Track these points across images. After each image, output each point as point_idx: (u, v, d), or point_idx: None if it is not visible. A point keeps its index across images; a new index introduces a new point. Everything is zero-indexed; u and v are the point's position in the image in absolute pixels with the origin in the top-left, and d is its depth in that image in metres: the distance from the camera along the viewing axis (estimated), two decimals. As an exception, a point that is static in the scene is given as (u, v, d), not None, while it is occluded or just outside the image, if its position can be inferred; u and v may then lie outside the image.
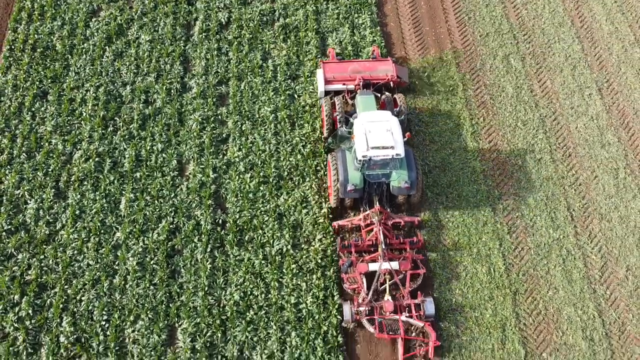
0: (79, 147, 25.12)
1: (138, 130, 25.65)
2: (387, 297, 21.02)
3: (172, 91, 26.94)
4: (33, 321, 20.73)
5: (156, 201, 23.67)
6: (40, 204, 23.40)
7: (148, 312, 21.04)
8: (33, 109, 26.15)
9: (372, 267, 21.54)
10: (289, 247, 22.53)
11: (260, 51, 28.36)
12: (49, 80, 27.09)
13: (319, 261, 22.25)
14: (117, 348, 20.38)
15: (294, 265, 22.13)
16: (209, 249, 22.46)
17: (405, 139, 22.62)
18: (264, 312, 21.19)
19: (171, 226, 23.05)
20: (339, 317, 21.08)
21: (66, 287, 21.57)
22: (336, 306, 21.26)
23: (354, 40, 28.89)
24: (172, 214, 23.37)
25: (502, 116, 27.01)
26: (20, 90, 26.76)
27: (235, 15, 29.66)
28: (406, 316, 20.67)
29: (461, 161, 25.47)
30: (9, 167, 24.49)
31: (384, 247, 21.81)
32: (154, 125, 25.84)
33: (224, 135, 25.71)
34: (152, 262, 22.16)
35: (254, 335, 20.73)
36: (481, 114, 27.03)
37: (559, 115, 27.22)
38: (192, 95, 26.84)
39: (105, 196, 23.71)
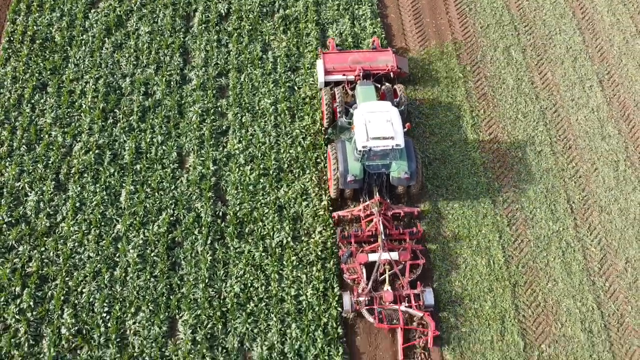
0: (78, 139, 25.11)
1: (138, 123, 25.62)
2: (387, 287, 21.11)
3: (172, 83, 26.88)
4: (34, 313, 20.83)
5: (156, 193, 23.70)
6: (41, 196, 23.43)
7: (149, 304, 21.13)
8: (33, 101, 26.11)
9: (372, 257, 21.62)
10: (289, 239, 22.58)
11: (260, 43, 28.26)
12: (49, 72, 27.02)
13: (319, 253, 22.31)
14: (118, 339, 20.49)
15: (294, 258, 22.20)
16: (209, 241, 22.51)
17: (405, 129, 22.61)
18: (264, 304, 21.28)
19: (171, 218, 23.09)
20: (339, 309, 21.17)
21: (67, 279, 21.65)
22: (336, 298, 21.34)
23: (354, 31, 28.79)
24: (173, 206, 23.41)
25: (502, 108, 26.97)
26: (20, 82, 26.70)
27: (235, 7, 29.53)
28: (405, 306, 20.79)
29: (461, 153, 25.46)
30: (9, 159, 24.49)
31: (383, 237, 21.88)
32: (153, 118, 25.81)
33: (224, 128, 25.68)
34: (152, 255, 22.22)
35: (254, 327, 20.84)
36: (481, 105, 26.98)
37: (560, 107, 27.18)
38: (191, 87, 26.79)
39: (106, 188, 23.74)
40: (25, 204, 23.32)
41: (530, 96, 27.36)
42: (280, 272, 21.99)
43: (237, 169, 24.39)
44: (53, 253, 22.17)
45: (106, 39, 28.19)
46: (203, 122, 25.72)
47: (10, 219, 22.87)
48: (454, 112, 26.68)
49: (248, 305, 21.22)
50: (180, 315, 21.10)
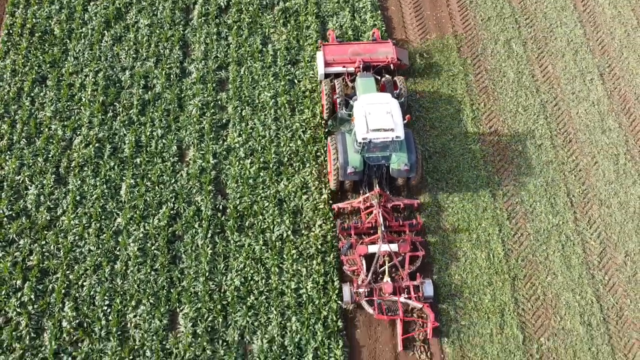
0: (78, 132, 25.09)
1: (138, 116, 25.59)
2: (387, 278, 21.19)
3: (172, 76, 26.82)
4: (35, 306, 20.91)
5: (156, 187, 23.72)
6: (41, 190, 23.45)
7: (149, 297, 21.20)
8: (32, 94, 26.07)
9: (372, 249, 21.69)
10: (289, 232, 22.62)
11: (260, 35, 28.17)
12: (48, 65, 26.96)
13: (319, 247, 22.36)
14: (119, 333, 20.57)
15: (294, 251, 22.25)
16: (209, 235, 22.56)
17: (405, 121, 22.60)
18: (264, 297, 21.36)
19: (172, 212, 23.12)
20: (339, 302, 21.25)
21: (68, 272, 21.71)
22: (336, 291, 21.42)
23: (355, 24, 28.68)
24: (173, 199, 23.43)
25: (503, 101, 26.93)
26: (19, 75, 26.65)
27: (234, -1, 29.42)
28: (405, 297, 20.87)
29: (461, 147, 25.45)
30: (9, 152, 24.49)
31: (383, 229, 21.93)
32: (153, 111, 25.77)
33: (224, 121, 25.66)
34: (153, 248, 22.27)
35: (254, 320, 20.92)
36: (482, 99, 26.94)
37: (560, 100, 27.13)
38: (191, 81, 26.73)
39: (106, 182, 23.75)
40: (26, 198, 23.34)
41: (530, 89, 27.30)
42: (281, 265, 22.05)
43: (237, 163, 24.39)
44: (54, 246, 22.22)
45: (105, 31, 28.10)
46: (203, 116, 25.69)
47: (10, 213, 22.91)
48: (454, 105, 26.64)
49: (248, 299, 21.29)
50: (181, 308, 21.18)
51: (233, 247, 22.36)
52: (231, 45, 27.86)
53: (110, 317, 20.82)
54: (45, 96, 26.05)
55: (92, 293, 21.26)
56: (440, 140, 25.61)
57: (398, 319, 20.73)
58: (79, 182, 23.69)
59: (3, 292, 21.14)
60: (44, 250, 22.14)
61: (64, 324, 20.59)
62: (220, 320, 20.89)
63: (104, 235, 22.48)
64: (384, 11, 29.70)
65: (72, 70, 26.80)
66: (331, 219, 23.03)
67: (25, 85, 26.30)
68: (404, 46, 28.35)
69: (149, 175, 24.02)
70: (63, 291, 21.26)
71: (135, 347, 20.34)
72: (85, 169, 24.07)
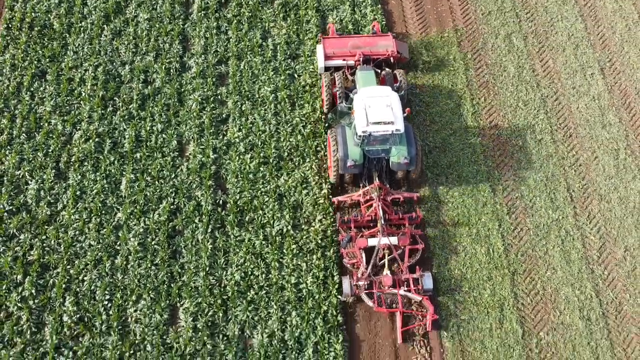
0: (78, 127, 25.07)
1: (137, 111, 25.56)
2: (386, 271, 21.24)
3: (172, 71, 26.76)
4: (36, 301, 20.96)
5: (157, 182, 23.72)
6: (41, 185, 23.46)
7: (150, 292, 21.26)
8: (32, 89, 26.02)
9: (371, 242, 21.74)
10: (289, 227, 22.65)
11: (259, 30, 28.09)
12: (47, 59, 26.90)
13: (319, 242, 22.39)
14: (119, 327, 20.64)
15: (294, 246, 22.28)
16: (209, 230, 22.58)
17: (405, 114, 22.59)
18: (264, 292, 21.41)
19: (172, 207, 23.14)
20: (339, 296, 21.31)
21: (68, 267, 21.75)
22: (336, 286, 21.47)
23: (355, 18, 28.59)
24: (173, 194, 23.44)
25: (503, 96, 26.89)
26: (19, 69, 26.59)
27: (234, -7, 29.30)
28: (404, 290, 20.93)
29: (461, 141, 25.43)
30: (9, 147, 24.48)
31: (383, 222, 21.97)
32: (153, 105, 25.74)
33: (223, 116, 25.63)
34: (153, 243, 22.30)
35: (254, 315, 20.98)
36: (482, 93, 26.89)
37: (561, 95, 27.09)
38: (191, 75, 26.68)
39: (106, 177, 23.75)
40: (26, 193, 23.36)
41: (531, 84, 27.25)
42: (281, 260, 22.09)
43: (237, 157, 24.39)
44: (54, 241, 22.26)
45: (105, 26, 28.02)
46: (203, 110, 25.66)
47: (11, 208, 22.92)
48: (455, 100, 26.60)
49: (248, 293, 21.35)
50: (181, 303, 21.23)
51: (233, 242, 22.39)
52: (231, 40, 27.78)
53: (110, 312, 20.88)
54: (44, 91, 26.00)
55: (92, 288, 21.31)
56: (440, 134, 25.59)
57: (397, 311, 20.79)
58: (79, 176, 23.69)
59: (4, 287, 21.20)
60: (44, 245, 22.18)
61: (65, 318, 20.66)
62: (221, 314, 20.95)
63: (104, 230, 22.51)
64: (384, 5, 29.61)
65: (71, 65, 26.75)
66: (331, 213, 23.04)
67: (24, 79, 26.25)
68: (404, 40, 28.28)
69: (149, 170, 24.02)
70: (64, 286, 21.32)
71: (136, 341, 20.42)
72: (86, 163, 24.06)
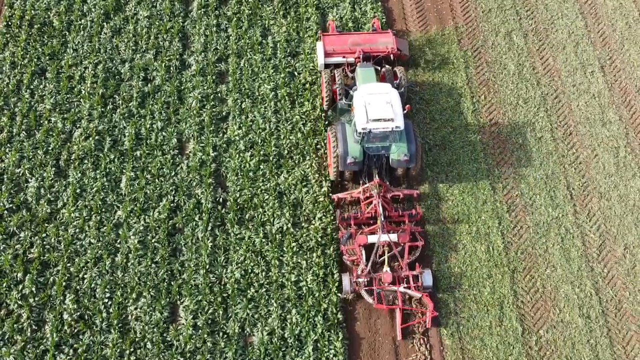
0: (78, 125, 25.06)
1: (137, 108, 25.55)
2: (386, 268, 21.26)
3: (171, 68, 26.74)
4: (36, 298, 20.99)
5: (157, 180, 23.73)
6: (41, 183, 23.46)
7: (150, 290, 21.28)
8: (32, 87, 26.01)
9: (371, 239, 21.76)
10: (289, 225, 22.66)
11: (259, 27, 28.06)
12: (47, 57, 26.87)
13: (319, 239, 22.41)
14: (119, 325, 20.67)
15: (294, 244, 22.30)
16: (209, 228, 22.60)
17: (405, 111, 22.58)
18: (264, 289, 21.43)
19: (172, 205, 23.15)
20: (338, 294, 21.33)
21: (69, 265, 21.77)
22: (336, 284, 21.49)
23: (355, 16, 28.56)
24: (173, 192, 23.45)
25: (503, 94, 26.87)
26: (19, 67, 26.57)
27: (234, -9, 29.25)
28: (404, 287, 20.96)
29: (462, 139, 25.43)
30: (9, 145, 24.47)
31: (382, 219, 21.98)
32: (153, 103, 25.73)
33: (223, 114, 25.62)
34: (153, 241, 22.31)
35: (254, 313, 21.01)
36: (482, 91, 26.88)
37: (561, 93, 27.07)
38: (191, 73, 26.66)
39: (106, 175, 23.76)
40: (26, 191, 23.36)
41: (531, 82, 27.24)
42: (281, 258, 22.11)
43: (237, 155, 24.39)
44: (54, 239, 22.27)
45: (105, 23, 27.98)
46: (203, 108, 25.65)
47: (11, 206, 22.93)
48: (455, 98, 26.59)
49: (248, 291, 21.37)
50: (182, 300, 21.26)
51: (233, 240, 22.41)
52: (231, 37, 27.76)
53: (111, 310, 20.90)
54: (44, 88, 25.99)
55: (92, 285, 21.33)
56: (441, 132, 25.58)
57: (397, 308, 20.83)
58: (79, 174, 23.69)
59: (4, 285, 21.22)
60: (44, 243, 22.19)
61: (65, 316, 20.68)
62: (221, 312, 20.98)
63: (105, 228, 22.52)
64: (384, 2, 29.56)
65: (71, 63, 26.72)
66: (331, 211, 23.05)
67: (24, 77, 26.23)
68: (404, 37, 28.25)
69: (149, 168, 24.02)
70: (64, 284, 21.34)
71: (136, 339, 20.45)
72: (86, 161, 24.06)
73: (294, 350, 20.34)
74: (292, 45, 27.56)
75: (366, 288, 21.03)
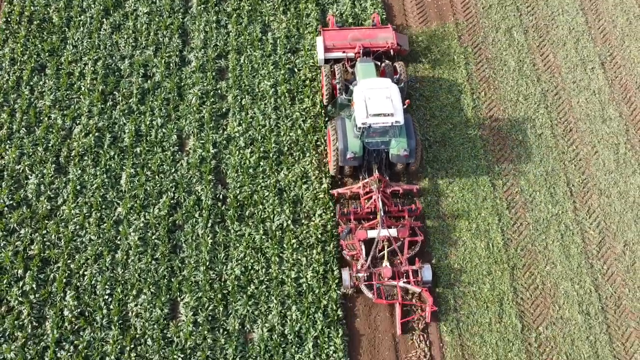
0: (78, 121, 25.05)
1: (137, 105, 25.52)
2: (386, 263, 21.30)
3: (171, 65, 26.70)
4: (37, 295, 21.02)
5: (157, 176, 23.73)
6: (41, 179, 23.47)
7: (150, 287, 21.31)
8: (31, 83, 25.97)
9: (371, 234, 21.78)
10: (290, 222, 22.68)
11: (259, 24, 28.00)
12: (47, 53, 26.82)
13: (319, 236, 22.43)
14: (120, 321, 20.71)
15: (294, 240, 22.32)
16: (209, 224, 22.62)
17: (405, 106, 22.57)
18: (264, 286, 21.46)
19: (172, 201, 23.16)
20: (339, 291, 21.37)
21: (69, 261, 21.80)
22: (336, 281, 21.52)
23: (355, 12, 28.49)
24: (173, 189, 23.46)
25: (503, 90, 26.84)
26: (18, 63, 26.53)
27: (234, -13, 29.18)
28: (404, 282, 21.00)
29: (462, 136, 25.42)
30: (8, 142, 24.47)
31: (382, 214, 22.00)
32: (153, 100, 25.70)
33: (223, 110, 25.60)
34: (153, 237, 22.34)
35: (255, 309, 21.05)
36: (482, 87, 26.85)
37: (561, 89, 27.04)
38: (191, 69, 26.62)
39: (106, 171, 23.76)
40: (26, 187, 23.37)
41: (531, 78, 27.20)
42: (281, 254, 22.13)
43: (237, 152, 24.38)
44: (54, 236, 22.29)
45: (104, 19, 27.92)
46: (203, 105, 25.63)
47: (11, 202, 22.95)
48: (455, 94, 26.56)
49: (249, 288, 21.41)
50: (182, 297, 21.30)
51: (233, 237, 22.43)
52: (231, 34, 27.70)
53: (111, 306, 20.94)
54: (44, 85, 25.96)
55: (93, 282, 21.37)
56: (441, 129, 25.56)
57: (397, 303, 20.87)
58: (79, 171, 23.69)
59: (5, 282, 21.26)
60: (44, 239, 22.22)
61: (66, 312, 20.73)
62: (221, 309, 21.02)
63: (105, 224, 22.54)
64: (385, -1, 29.51)
65: (71, 59, 26.68)
66: (331, 208, 23.07)
67: (24, 73, 26.20)
68: (404, 32, 28.19)
69: (149, 165, 24.02)
70: (64, 280, 21.37)
71: (137, 335, 20.50)
72: (85, 158, 24.06)
73: (294, 346, 20.39)
74: (292, 41, 27.50)
75: (366, 283, 21.08)
